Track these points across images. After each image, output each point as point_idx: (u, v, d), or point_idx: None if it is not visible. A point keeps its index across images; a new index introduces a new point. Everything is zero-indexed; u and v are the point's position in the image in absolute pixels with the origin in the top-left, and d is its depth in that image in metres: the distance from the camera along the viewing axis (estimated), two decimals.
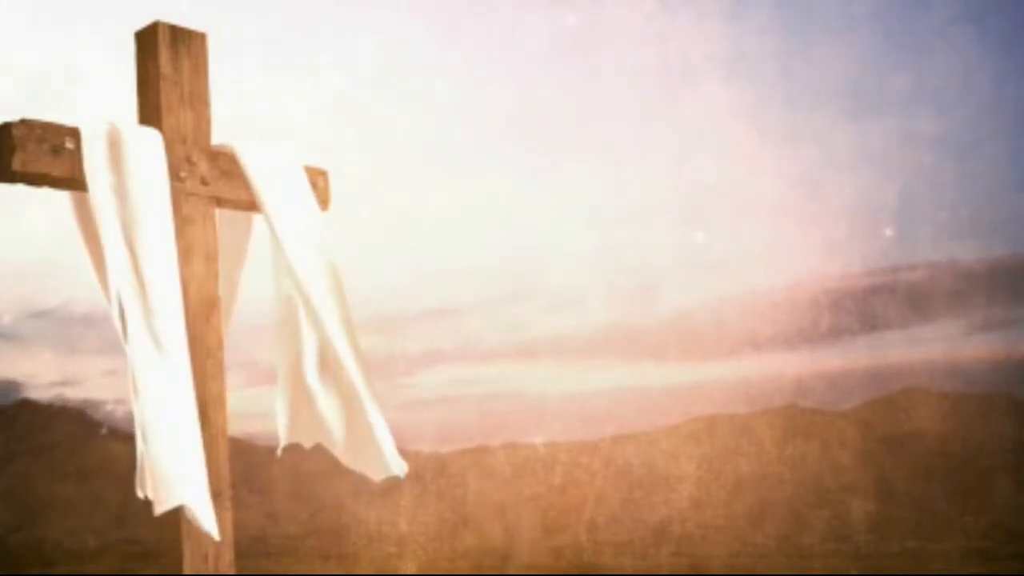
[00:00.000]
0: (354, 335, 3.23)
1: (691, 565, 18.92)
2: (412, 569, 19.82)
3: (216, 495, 2.99)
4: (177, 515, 2.91)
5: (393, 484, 22.01)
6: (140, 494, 2.83)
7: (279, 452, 3.38)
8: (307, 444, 3.38)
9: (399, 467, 3.26)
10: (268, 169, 3.23)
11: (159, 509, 2.75)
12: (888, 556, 18.36)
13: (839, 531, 19.41)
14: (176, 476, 2.73)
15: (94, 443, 23.95)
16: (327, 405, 3.28)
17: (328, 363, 3.26)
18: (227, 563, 3.01)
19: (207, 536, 2.96)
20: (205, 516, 2.76)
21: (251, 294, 3.42)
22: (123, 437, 23.83)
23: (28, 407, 26.64)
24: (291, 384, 3.31)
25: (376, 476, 3.29)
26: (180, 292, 2.91)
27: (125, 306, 2.79)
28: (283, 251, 3.16)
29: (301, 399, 3.31)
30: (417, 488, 21.81)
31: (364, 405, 3.19)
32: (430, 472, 22.37)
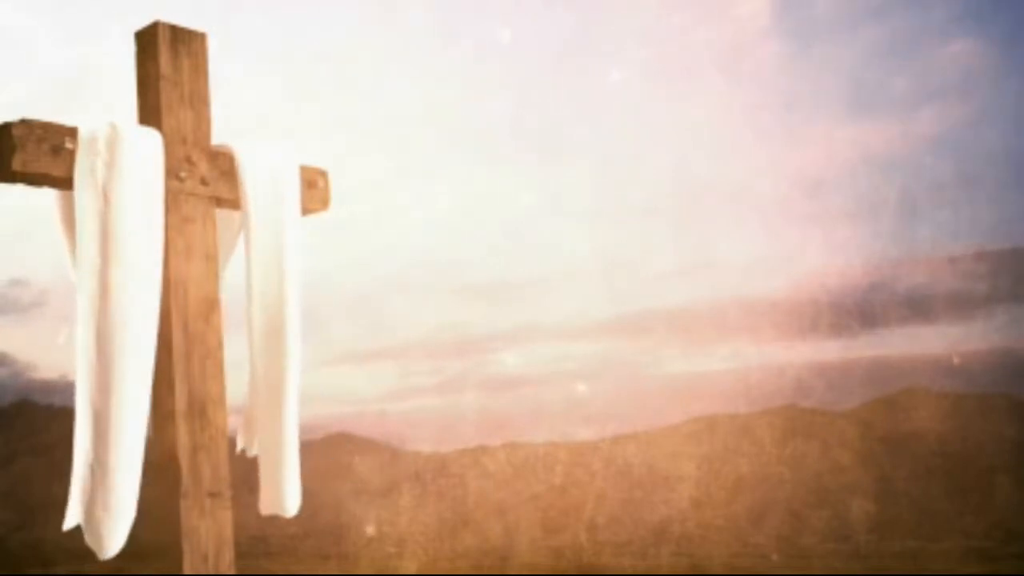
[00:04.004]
0: (287, 351, 3.15)
1: (691, 565, 18.92)
2: (412, 569, 19.81)
3: (216, 495, 2.99)
4: (177, 515, 2.91)
5: (393, 484, 22.03)
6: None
7: (238, 451, 3.34)
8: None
9: (290, 508, 3.21)
10: (260, 171, 3.20)
11: (65, 525, 2.77)
12: (888, 556, 18.35)
13: (839, 531, 19.41)
14: (83, 492, 2.75)
15: None
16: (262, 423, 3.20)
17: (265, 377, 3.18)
18: (227, 563, 3.01)
19: (207, 536, 2.96)
20: (95, 536, 2.77)
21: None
22: None
23: (28, 407, 26.63)
24: (253, 386, 3.25)
25: (264, 510, 3.23)
26: (158, 298, 2.88)
27: (79, 307, 2.77)
28: (250, 255, 3.14)
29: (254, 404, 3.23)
30: (417, 488, 21.81)
31: (282, 436, 3.13)
32: (430, 472, 22.38)
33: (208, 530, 2.96)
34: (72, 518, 2.76)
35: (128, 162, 2.88)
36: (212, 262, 3.10)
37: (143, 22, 3.11)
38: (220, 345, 3.09)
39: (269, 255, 3.16)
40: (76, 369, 2.76)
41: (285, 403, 3.16)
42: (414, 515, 21.04)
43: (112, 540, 2.80)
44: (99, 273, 2.79)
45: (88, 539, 2.80)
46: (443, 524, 20.97)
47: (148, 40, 3.11)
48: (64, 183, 2.88)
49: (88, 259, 2.79)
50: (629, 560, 19.48)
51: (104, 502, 2.77)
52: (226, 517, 3.01)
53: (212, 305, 3.07)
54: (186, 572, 2.91)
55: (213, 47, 3.20)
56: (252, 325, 3.12)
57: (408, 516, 21.02)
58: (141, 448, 2.82)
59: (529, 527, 20.82)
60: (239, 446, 3.28)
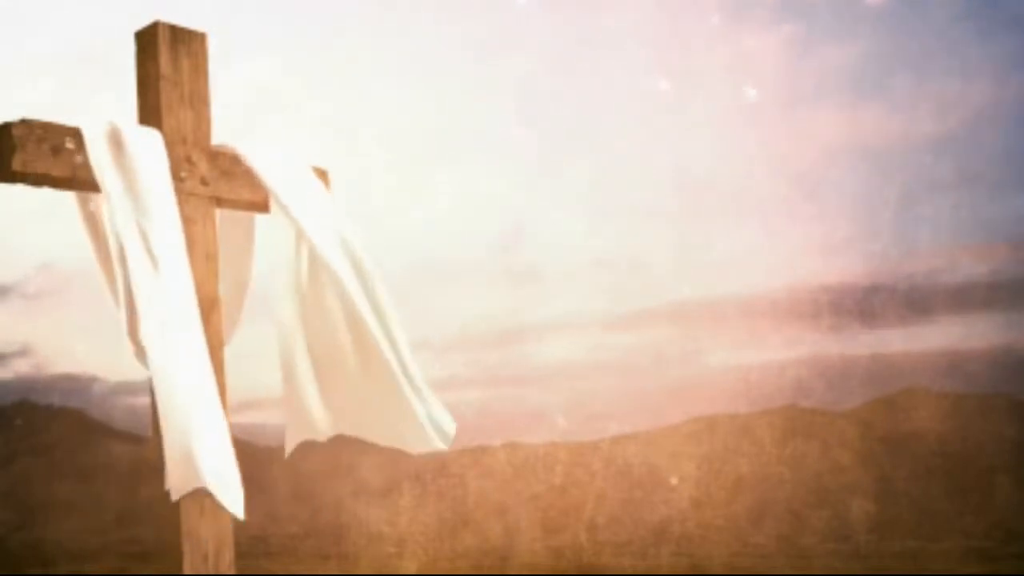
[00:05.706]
0: (387, 317, 3.23)
1: (691, 565, 18.91)
2: (412, 569, 19.81)
3: None
4: (177, 515, 2.91)
5: (393, 484, 22.02)
6: (169, 491, 2.85)
7: (287, 454, 3.37)
8: (321, 438, 3.38)
9: (442, 439, 3.32)
10: (276, 165, 3.24)
11: (175, 495, 2.81)
12: (888, 556, 18.35)
13: (839, 531, 19.41)
14: (192, 461, 2.77)
15: (94, 443, 23.93)
16: (355, 392, 3.28)
17: (354, 348, 3.24)
18: (227, 563, 3.01)
19: (207, 536, 2.96)
20: (228, 496, 2.83)
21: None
22: (123, 437, 23.81)
23: (28, 407, 26.62)
24: (300, 380, 3.28)
25: (416, 449, 3.36)
26: (193, 289, 2.92)
27: (142, 304, 2.81)
28: (308, 240, 3.15)
29: (310, 395, 3.28)
30: (417, 488, 21.80)
31: (399, 384, 3.21)
32: (430, 472, 22.36)
33: (208, 530, 2.97)
34: (189, 483, 2.79)
35: (137, 161, 2.89)
36: (212, 262, 3.10)
37: (143, 22, 3.12)
38: (220, 345, 3.09)
39: (329, 240, 3.19)
40: (151, 358, 2.80)
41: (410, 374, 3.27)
42: (414, 515, 21.04)
43: (240, 491, 2.87)
44: (151, 270, 2.83)
45: (225, 498, 2.84)
46: (443, 524, 20.97)
47: (148, 40, 3.11)
48: (64, 183, 2.88)
49: (126, 255, 2.83)
50: (629, 560, 19.47)
51: (224, 458, 2.83)
52: (226, 517, 3.01)
53: (212, 305, 3.07)
54: (186, 572, 2.91)
55: (213, 47, 3.20)
56: (365, 317, 3.17)
57: (408, 516, 21.02)
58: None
59: (529, 527, 20.81)
60: (288, 447, 3.31)
